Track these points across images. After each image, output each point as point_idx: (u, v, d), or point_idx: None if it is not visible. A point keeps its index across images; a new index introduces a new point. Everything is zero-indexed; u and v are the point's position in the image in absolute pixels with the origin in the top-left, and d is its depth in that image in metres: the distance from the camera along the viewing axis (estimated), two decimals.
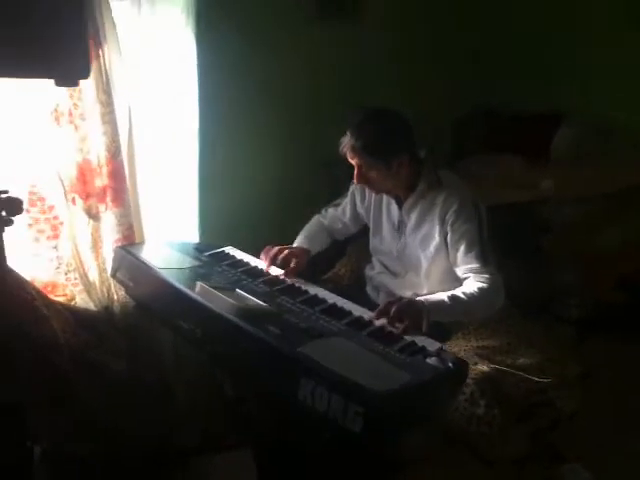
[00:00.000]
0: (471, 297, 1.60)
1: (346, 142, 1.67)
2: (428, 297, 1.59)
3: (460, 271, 1.71)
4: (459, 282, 1.75)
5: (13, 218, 1.20)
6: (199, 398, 1.98)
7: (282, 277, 1.75)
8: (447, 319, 1.64)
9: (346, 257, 2.24)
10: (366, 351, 1.34)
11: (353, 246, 2.24)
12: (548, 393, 1.70)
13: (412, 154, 1.71)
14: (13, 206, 1.18)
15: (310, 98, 2.37)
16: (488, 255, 1.69)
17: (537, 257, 2.37)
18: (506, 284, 1.69)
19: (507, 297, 1.69)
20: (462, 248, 1.70)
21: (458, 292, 1.62)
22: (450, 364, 1.32)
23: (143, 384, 1.92)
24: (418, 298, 1.57)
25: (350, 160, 1.70)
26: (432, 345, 1.40)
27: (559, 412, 1.70)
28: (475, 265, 1.67)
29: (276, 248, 1.81)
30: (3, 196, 1.18)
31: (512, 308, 1.94)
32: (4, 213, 1.19)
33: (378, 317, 1.50)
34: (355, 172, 1.71)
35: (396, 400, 1.17)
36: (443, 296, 1.60)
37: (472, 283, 1.65)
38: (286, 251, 1.81)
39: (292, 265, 1.78)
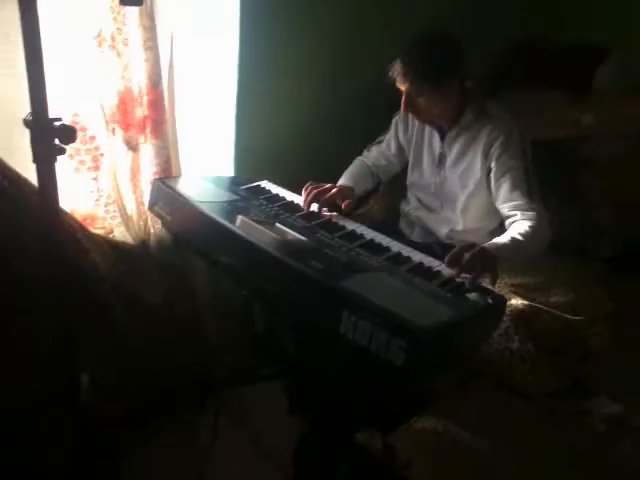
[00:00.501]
0: (526, 237, 1.58)
1: (396, 66, 1.64)
2: (493, 242, 1.55)
3: (505, 208, 1.69)
4: (496, 218, 1.74)
5: (66, 147, 1.19)
6: (233, 331, 2.04)
7: (321, 213, 1.75)
8: (508, 262, 1.59)
9: (380, 192, 2.23)
10: (407, 286, 1.36)
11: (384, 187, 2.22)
12: (580, 331, 1.72)
13: (461, 80, 1.68)
14: (67, 134, 1.15)
15: (357, 25, 2.28)
16: (534, 192, 1.67)
17: (572, 195, 2.34)
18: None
19: None
20: (508, 184, 1.67)
21: (515, 234, 1.59)
22: (490, 300, 1.33)
23: (179, 316, 1.98)
24: (486, 244, 1.51)
25: (399, 85, 1.66)
26: None
27: (590, 348, 1.73)
28: (521, 202, 1.65)
29: (314, 189, 1.76)
30: (57, 124, 1.15)
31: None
32: (57, 141, 1.17)
33: (450, 264, 1.43)
34: (403, 98, 1.67)
35: (439, 335, 1.19)
36: (505, 239, 1.57)
37: (522, 223, 1.63)
38: (333, 190, 1.76)
39: (345, 204, 1.75)
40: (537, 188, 1.70)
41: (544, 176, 1.92)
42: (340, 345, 1.32)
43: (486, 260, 1.44)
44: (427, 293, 1.34)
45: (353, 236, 1.62)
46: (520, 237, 1.58)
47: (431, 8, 2.34)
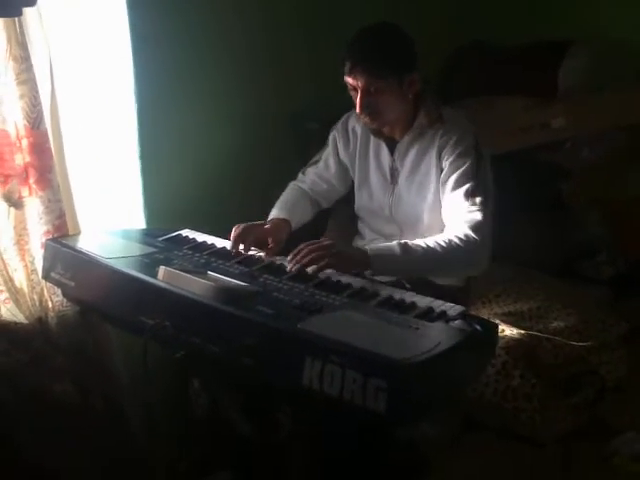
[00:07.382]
0: (433, 249, 1.66)
1: (348, 60, 1.74)
2: (377, 244, 1.71)
3: (444, 213, 1.80)
4: None
5: None
6: (166, 419, 2.02)
7: (259, 256, 1.81)
8: (396, 273, 1.75)
9: (327, 233, 2.30)
10: (378, 321, 1.41)
11: (334, 219, 2.31)
12: (590, 359, 1.80)
13: (418, 77, 1.80)
14: None
15: (266, 39, 2.41)
16: (480, 196, 1.73)
17: (556, 210, 2.49)
18: (523, 243, 1.78)
19: (526, 258, 1.79)
20: (450, 183, 1.77)
21: (420, 241, 1.70)
22: (477, 326, 1.40)
23: (95, 406, 1.95)
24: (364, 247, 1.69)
25: (353, 83, 1.76)
26: (453, 309, 1.48)
27: (604, 380, 1.81)
28: (460, 203, 1.73)
29: (243, 226, 1.83)
30: None
31: (534, 270, 2.04)
32: None
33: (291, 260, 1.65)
34: (359, 98, 1.76)
35: (424, 369, 1.23)
36: (394, 244, 1.69)
37: (445, 233, 1.73)
38: (258, 230, 1.84)
39: (269, 245, 1.83)
40: (490, 196, 1.77)
41: (521, 193, 2.04)
42: (305, 405, 1.35)
43: (338, 258, 1.62)
44: (403, 326, 1.39)
45: (304, 276, 1.67)
46: (419, 247, 1.67)
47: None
